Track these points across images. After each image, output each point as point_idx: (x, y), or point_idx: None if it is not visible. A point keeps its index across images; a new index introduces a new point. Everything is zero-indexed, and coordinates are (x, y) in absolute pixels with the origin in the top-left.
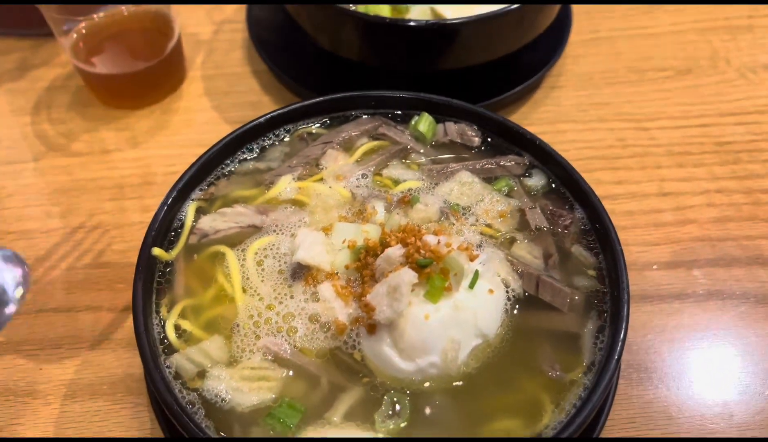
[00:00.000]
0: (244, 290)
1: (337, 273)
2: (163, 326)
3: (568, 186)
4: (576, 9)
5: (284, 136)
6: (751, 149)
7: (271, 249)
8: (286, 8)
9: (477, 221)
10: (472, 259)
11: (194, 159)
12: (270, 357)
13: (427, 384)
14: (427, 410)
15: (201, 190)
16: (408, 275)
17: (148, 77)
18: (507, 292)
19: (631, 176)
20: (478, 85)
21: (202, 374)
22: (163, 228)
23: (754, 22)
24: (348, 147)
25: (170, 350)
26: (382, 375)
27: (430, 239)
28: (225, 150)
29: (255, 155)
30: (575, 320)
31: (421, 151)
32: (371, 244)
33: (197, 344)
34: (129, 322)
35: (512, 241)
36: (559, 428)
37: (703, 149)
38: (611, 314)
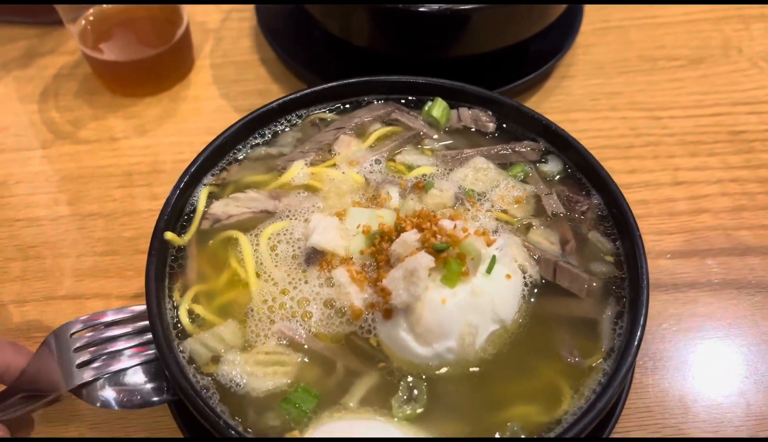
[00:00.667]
0: (258, 275)
1: (352, 258)
2: (176, 311)
3: (584, 172)
4: None
5: (296, 122)
6: (765, 138)
7: (285, 234)
8: None
9: (492, 206)
10: (489, 244)
11: (203, 147)
12: (285, 342)
13: (443, 370)
14: (444, 396)
15: (213, 175)
16: (425, 259)
17: (157, 65)
18: (524, 278)
19: (644, 165)
20: (489, 74)
21: (216, 359)
22: (176, 213)
23: (767, 11)
24: (361, 133)
25: (183, 334)
26: (398, 360)
27: (447, 224)
28: (237, 135)
29: (267, 141)
30: (593, 306)
31: (435, 137)
32: (386, 229)
33: (211, 329)
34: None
35: (528, 227)
36: (579, 414)
37: (717, 138)
38: (630, 299)
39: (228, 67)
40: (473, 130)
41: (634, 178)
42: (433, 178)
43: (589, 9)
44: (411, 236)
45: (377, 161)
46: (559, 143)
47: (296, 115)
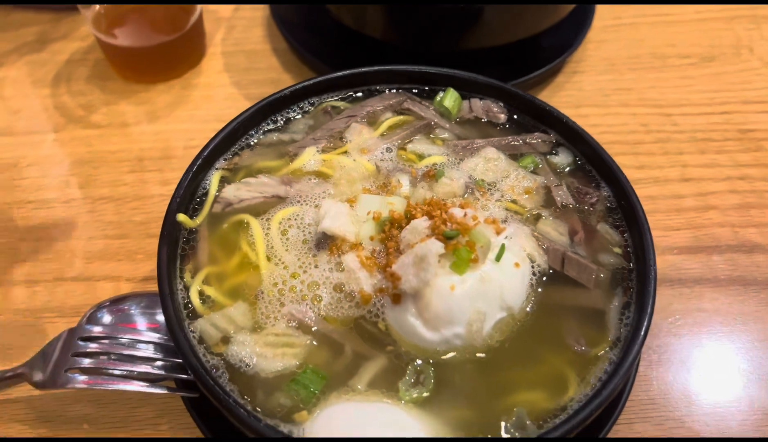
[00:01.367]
0: (269, 258)
1: (362, 244)
2: (187, 292)
3: (594, 164)
4: None
5: (308, 109)
6: None
7: (296, 219)
8: None
9: (502, 196)
10: (498, 232)
11: (214, 134)
12: (294, 324)
13: (451, 355)
14: (451, 381)
15: (225, 159)
16: (435, 245)
17: (169, 52)
18: (532, 267)
19: (653, 161)
20: (500, 67)
21: (226, 340)
22: (188, 195)
23: None
24: (372, 121)
25: (194, 315)
26: (406, 345)
27: (457, 212)
28: (250, 121)
29: (279, 127)
30: (600, 297)
31: (446, 126)
32: (396, 216)
33: (221, 310)
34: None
35: (537, 217)
36: (585, 401)
37: (726, 136)
38: (637, 290)
39: (239, 56)
40: (484, 120)
41: (642, 173)
42: (444, 167)
43: (600, 6)
44: (421, 223)
45: (388, 149)
46: (570, 135)
47: (308, 102)
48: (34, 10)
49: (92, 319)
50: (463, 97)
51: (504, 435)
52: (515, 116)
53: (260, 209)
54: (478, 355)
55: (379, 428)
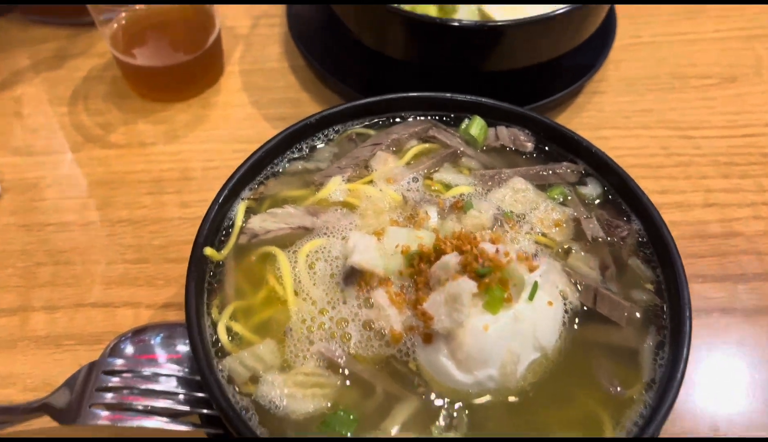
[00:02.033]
0: (296, 293)
1: (390, 279)
2: (215, 328)
3: (624, 196)
4: (619, 13)
5: (333, 136)
6: None
7: (323, 252)
8: (329, 6)
9: (531, 229)
10: (531, 269)
11: (233, 154)
12: (324, 363)
13: (484, 397)
14: (485, 424)
15: (251, 189)
16: (468, 285)
17: (187, 71)
18: (564, 304)
19: (675, 186)
20: (521, 88)
21: (254, 379)
22: (214, 227)
23: None
24: (397, 149)
25: (222, 353)
26: (437, 386)
27: (488, 248)
28: (275, 149)
29: (304, 155)
30: (633, 335)
31: (472, 155)
32: (425, 250)
33: (250, 348)
34: (169, 317)
35: (568, 251)
36: None
37: (750, 160)
38: (672, 330)
39: (257, 74)
40: (511, 149)
41: (665, 198)
42: (472, 198)
43: (621, 24)
44: (452, 259)
45: (414, 179)
46: (598, 166)
47: (333, 129)
48: (52, 26)
49: (115, 351)
50: (489, 124)
51: None
52: (542, 145)
53: (287, 241)
54: (511, 398)
55: None
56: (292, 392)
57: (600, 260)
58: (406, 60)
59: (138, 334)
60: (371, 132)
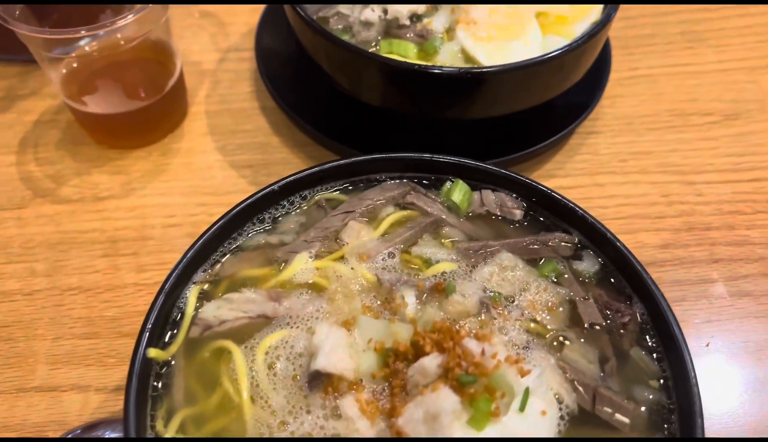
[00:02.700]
0: (253, 400)
1: (362, 381)
2: None
3: (624, 274)
4: (614, 43)
5: (300, 204)
6: None
7: (284, 347)
8: (301, 44)
9: (522, 314)
10: (522, 374)
11: (195, 209)
12: None
13: None
14: None
15: (204, 270)
16: (450, 401)
17: (147, 116)
18: (560, 409)
19: (678, 239)
20: (509, 133)
21: None
22: (161, 320)
23: None
24: (372, 218)
25: None
26: None
27: (472, 346)
28: (233, 223)
29: (267, 227)
30: None
31: (455, 224)
32: (402, 348)
33: None
34: (120, 405)
35: (563, 341)
36: None
37: (756, 208)
38: (682, 433)
39: (224, 115)
40: (498, 217)
41: (667, 254)
42: (454, 277)
43: (615, 55)
44: (431, 362)
45: (391, 254)
46: (594, 238)
47: (300, 196)
48: (1, 62)
49: None
50: (473, 187)
51: None
52: (532, 212)
53: (244, 333)
54: None
55: None
56: None
57: (599, 351)
58: (384, 107)
59: (89, 430)
60: (343, 198)
